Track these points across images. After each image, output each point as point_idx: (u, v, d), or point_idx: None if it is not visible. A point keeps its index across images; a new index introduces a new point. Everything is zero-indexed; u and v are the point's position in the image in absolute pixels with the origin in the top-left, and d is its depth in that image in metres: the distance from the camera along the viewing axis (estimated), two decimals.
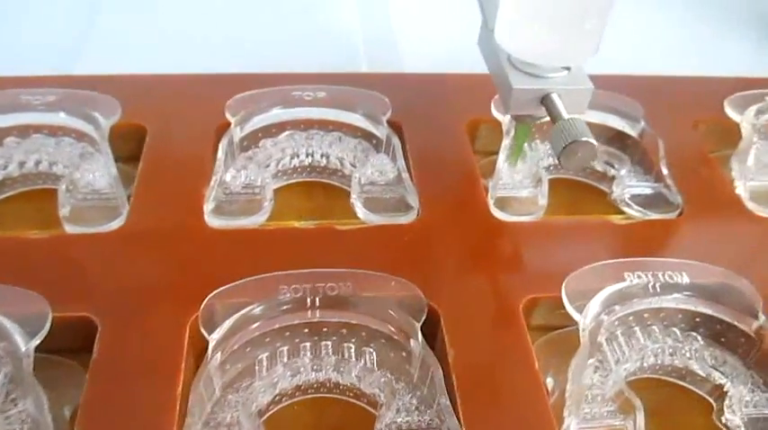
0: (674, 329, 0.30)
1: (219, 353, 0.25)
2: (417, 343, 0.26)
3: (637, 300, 0.28)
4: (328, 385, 0.27)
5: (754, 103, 0.39)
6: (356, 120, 0.37)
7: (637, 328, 0.29)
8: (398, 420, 0.26)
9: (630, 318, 0.29)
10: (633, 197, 0.36)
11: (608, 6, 0.27)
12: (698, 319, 0.29)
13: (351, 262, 0.30)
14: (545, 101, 0.29)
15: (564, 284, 0.28)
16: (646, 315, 0.29)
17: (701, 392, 0.29)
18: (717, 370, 0.29)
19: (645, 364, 0.29)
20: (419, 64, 0.47)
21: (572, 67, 0.29)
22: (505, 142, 0.36)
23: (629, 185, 0.36)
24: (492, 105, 0.37)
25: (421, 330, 0.28)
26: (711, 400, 0.29)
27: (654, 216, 0.35)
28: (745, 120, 0.39)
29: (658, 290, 0.29)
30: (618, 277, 0.29)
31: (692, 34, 0.56)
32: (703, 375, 0.29)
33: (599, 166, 0.38)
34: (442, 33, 0.52)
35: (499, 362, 0.28)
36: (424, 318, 0.27)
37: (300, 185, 0.37)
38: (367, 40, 0.51)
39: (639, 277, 0.29)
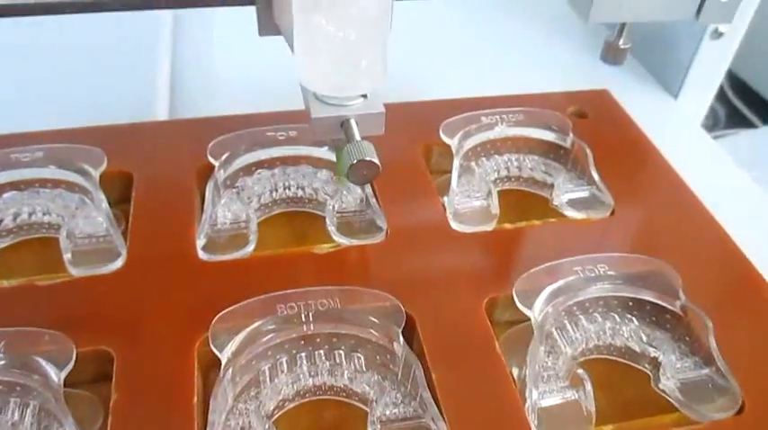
0: (613, 314, 0.35)
1: (231, 368, 0.29)
2: (399, 345, 0.31)
3: (578, 292, 0.34)
4: (324, 388, 0.31)
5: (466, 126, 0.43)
6: (325, 154, 0.41)
7: (581, 316, 0.35)
8: (387, 412, 0.30)
9: (574, 307, 0.34)
10: (570, 201, 0.41)
11: (380, 43, 0.30)
12: (631, 303, 0.35)
13: (330, 280, 0.35)
14: (344, 125, 0.32)
15: (515, 285, 0.33)
16: (587, 304, 0.34)
17: (639, 366, 0.34)
18: (650, 345, 0.34)
19: (590, 346, 0.34)
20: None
21: (367, 94, 0.32)
22: (456, 162, 0.41)
23: (566, 191, 0.42)
24: (440, 130, 0.42)
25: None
26: (648, 372, 0.34)
27: (589, 216, 0.40)
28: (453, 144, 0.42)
29: (595, 281, 0.34)
30: (561, 274, 0.34)
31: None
32: (639, 351, 0.34)
33: (538, 176, 0.43)
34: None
35: (470, 356, 0.32)
36: (403, 323, 0.32)
37: (281, 216, 0.41)
38: None
39: (578, 272, 0.34)
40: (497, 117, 0.44)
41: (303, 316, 0.31)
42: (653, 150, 0.46)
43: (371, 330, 0.31)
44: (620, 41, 0.40)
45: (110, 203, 0.39)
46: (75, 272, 0.35)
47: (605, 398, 0.33)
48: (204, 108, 0.56)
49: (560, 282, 0.33)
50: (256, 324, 0.31)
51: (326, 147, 0.41)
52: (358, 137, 0.31)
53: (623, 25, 0.40)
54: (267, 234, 0.40)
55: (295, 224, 0.41)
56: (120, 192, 0.41)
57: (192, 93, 0.59)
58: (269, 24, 0.34)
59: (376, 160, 0.30)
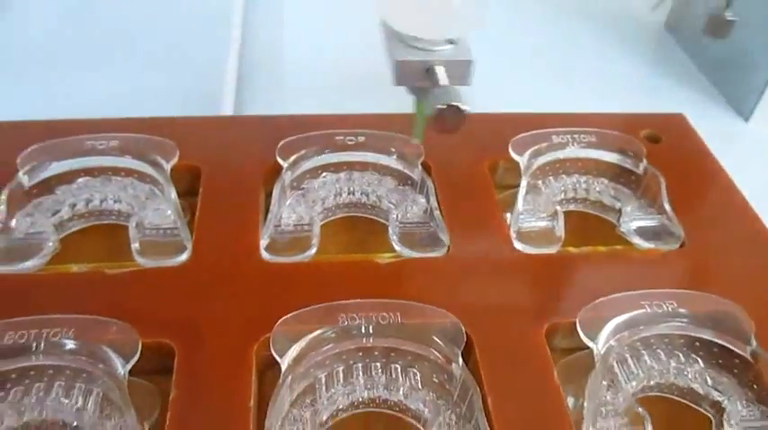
0: (678, 352, 0.34)
1: (291, 375, 0.29)
2: (458, 366, 0.30)
3: (643, 328, 0.33)
4: (378, 401, 0.31)
5: (535, 144, 0.41)
6: (393, 162, 0.41)
7: (644, 352, 0.34)
8: None
9: (638, 343, 0.33)
10: (639, 229, 0.40)
11: None
12: (697, 344, 0.34)
13: (390, 291, 0.35)
14: (429, 72, 0.30)
15: (579, 314, 0.33)
16: (652, 340, 0.34)
17: (701, 409, 0.33)
18: (715, 389, 0.33)
19: (651, 383, 0.33)
20: None
21: (455, 40, 0.31)
22: (524, 180, 0.40)
23: (634, 218, 0.41)
24: (509, 147, 0.42)
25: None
26: (711, 416, 0.33)
27: (657, 247, 0.39)
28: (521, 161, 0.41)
29: (663, 318, 0.33)
30: (627, 307, 0.33)
31: None
32: (703, 393, 0.33)
33: (607, 200, 0.42)
34: None
35: (527, 383, 0.32)
36: (464, 344, 0.32)
37: (343, 221, 0.41)
38: None
39: (645, 307, 0.33)
40: (569, 137, 0.43)
41: (363, 328, 0.31)
42: (728, 182, 0.44)
43: (431, 348, 0.31)
44: (727, 12, 0.37)
45: (179, 195, 0.40)
46: (141, 261, 0.36)
47: None
48: (271, 102, 0.57)
49: (626, 316, 0.33)
50: (317, 332, 0.31)
51: (395, 157, 0.41)
52: (446, 83, 0.29)
53: None
54: (328, 238, 0.40)
55: (356, 230, 0.41)
56: (187, 184, 0.41)
57: (259, 85, 0.60)
58: None
59: (465, 107, 0.28)
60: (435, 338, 0.31)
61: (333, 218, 0.41)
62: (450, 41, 0.30)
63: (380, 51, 0.34)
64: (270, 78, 0.61)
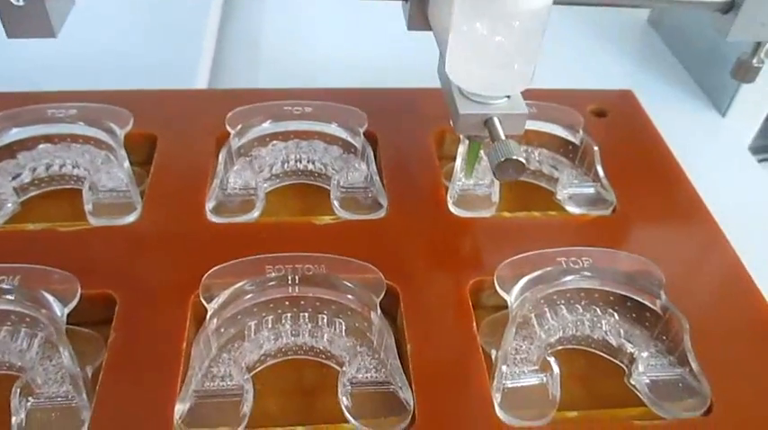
0: (594, 307, 0.36)
1: (216, 319, 0.32)
2: (376, 315, 0.32)
3: (557, 282, 0.34)
4: (305, 348, 0.33)
5: None
6: (337, 131, 0.43)
7: (562, 305, 0.35)
8: (359, 376, 0.32)
9: (554, 297, 0.35)
10: (573, 196, 0.42)
11: (534, 50, 0.32)
12: (612, 298, 0.35)
13: (325, 250, 0.37)
14: (487, 123, 0.34)
15: (497, 270, 0.34)
16: (569, 294, 0.35)
17: (615, 360, 0.35)
18: (628, 341, 0.34)
19: (567, 335, 0.35)
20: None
21: (510, 94, 0.34)
22: (461, 149, 0.42)
23: (570, 186, 0.42)
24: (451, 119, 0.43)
25: (381, 305, 0.34)
26: (624, 366, 0.35)
27: (590, 213, 0.41)
28: None
29: (576, 273, 0.35)
30: (543, 263, 0.35)
31: None
32: (616, 345, 0.35)
33: (546, 169, 0.44)
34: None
35: (446, 332, 0.34)
36: (383, 295, 0.34)
37: (291, 188, 0.43)
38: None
39: (561, 263, 0.35)
40: None
41: (290, 278, 0.33)
42: (667, 154, 0.46)
43: (353, 298, 0.33)
44: (755, 60, 0.40)
45: (137, 163, 0.42)
46: (94, 221, 0.38)
47: (577, 386, 0.34)
48: (245, 82, 0.59)
49: (540, 271, 0.34)
50: (245, 281, 0.33)
51: (339, 126, 0.43)
52: (503, 135, 0.33)
53: (758, 44, 0.40)
54: (276, 203, 0.42)
55: (303, 196, 0.43)
56: (146, 153, 0.44)
57: (234, 65, 0.62)
58: (419, 20, 0.36)
59: (522, 158, 0.32)
60: (357, 289, 0.33)
61: (281, 184, 0.43)
62: (507, 95, 0.34)
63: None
64: (247, 56, 0.63)
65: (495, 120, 0.33)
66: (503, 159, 0.32)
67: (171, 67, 0.56)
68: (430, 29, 0.36)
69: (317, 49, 0.64)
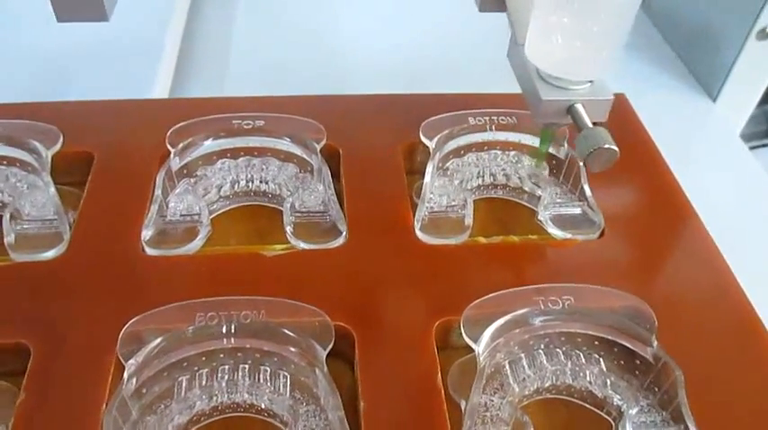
0: (577, 352, 0.31)
1: (135, 379, 0.27)
2: (322, 373, 0.28)
3: (537, 326, 0.30)
4: (244, 406, 0.29)
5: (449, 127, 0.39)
6: (292, 148, 0.38)
7: (541, 352, 0.31)
8: None
9: (531, 342, 0.31)
10: (556, 217, 0.37)
11: (620, 35, 0.30)
12: (597, 343, 0.31)
13: (276, 287, 0.32)
14: (570, 110, 0.31)
15: (464, 312, 0.30)
16: (547, 339, 0.31)
17: (600, 413, 0.31)
18: (615, 392, 0.30)
19: (546, 385, 0.31)
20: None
21: (594, 79, 0.32)
22: (431, 165, 0.37)
23: (553, 205, 0.38)
24: (420, 131, 0.39)
25: (338, 351, 0.30)
26: (610, 420, 0.30)
27: (574, 236, 0.36)
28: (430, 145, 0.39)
29: (555, 315, 0.30)
30: (519, 303, 0.31)
31: None
32: (601, 397, 0.30)
33: (527, 186, 0.39)
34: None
35: (406, 385, 0.30)
36: (330, 346, 0.29)
37: (242, 210, 0.39)
38: None
39: (539, 303, 0.30)
40: (487, 119, 0.40)
41: (224, 327, 0.29)
42: (662, 167, 0.41)
43: (294, 349, 0.29)
44: None
45: (75, 184, 0.38)
46: (14, 257, 0.34)
47: None
48: (211, 92, 0.55)
49: (514, 313, 0.30)
50: (171, 333, 0.29)
51: (294, 142, 0.38)
52: (589, 122, 0.30)
53: None
54: (224, 229, 0.37)
55: (256, 220, 0.39)
56: (84, 172, 0.39)
57: (200, 74, 0.58)
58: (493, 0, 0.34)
59: (615, 146, 0.29)
60: (301, 340, 0.29)
61: (231, 207, 0.39)
62: (590, 80, 0.32)
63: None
64: (213, 64, 0.59)
65: (579, 107, 0.31)
66: (595, 148, 0.29)
67: (125, 75, 0.52)
68: (503, 10, 0.34)
69: (289, 54, 0.60)
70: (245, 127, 0.38)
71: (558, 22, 0.29)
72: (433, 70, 0.58)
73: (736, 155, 0.54)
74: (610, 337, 0.30)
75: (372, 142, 0.41)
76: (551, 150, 0.39)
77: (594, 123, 0.31)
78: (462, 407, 0.30)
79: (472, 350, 0.32)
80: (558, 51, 0.30)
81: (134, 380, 0.27)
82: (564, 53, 0.30)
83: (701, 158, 0.53)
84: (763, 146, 0.73)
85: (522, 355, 0.31)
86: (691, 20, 0.61)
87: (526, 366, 0.31)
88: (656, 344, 0.30)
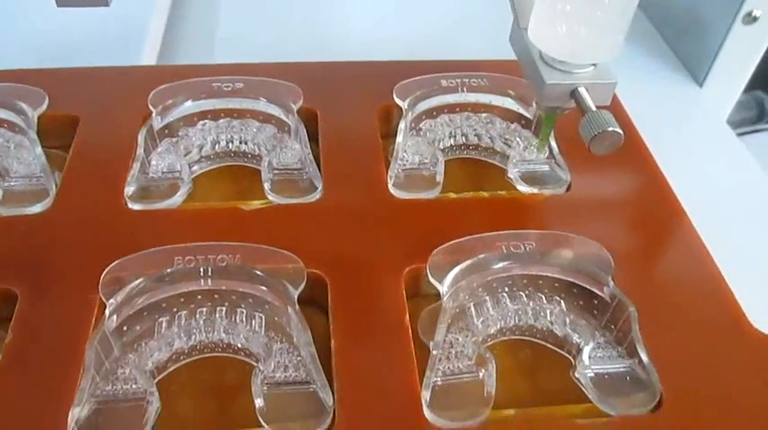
0: (539, 294, 0.33)
1: (116, 316, 0.29)
2: (294, 310, 0.30)
3: (498, 268, 0.32)
4: (221, 345, 0.31)
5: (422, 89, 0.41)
6: (270, 108, 0.40)
7: (504, 294, 0.33)
8: (276, 375, 0.29)
9: (494, 284, 0.32)
10: (525, 174, 0.39)
11: (628, 16, 0.30)
12: (557, 285, 0.32)
13: (254, 238, 0.34)
14: (574, 94, 0.32)
15: (430, 257, 0.32)
16: (510, 281, 0.32)
17: (562, 351, 0.32)
18: (574, 331, 0.32)
19: (509, 325, 0.32)
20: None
21: (598, 62, 0.32)
22: (403, 124, 0.39)
23: (522, 163, 0.39)
24: (393, 92, 0.40)
25: (312, 297, 0.32)
26: (570, 357, 0.32)
27: (542, 191, 0.38)
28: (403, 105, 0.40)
29: (516, 259, 0.32)
30: (482, 249, 0.32)
31: None
32: (561, 335, 0.32)
33: (498, 146, 0.41)
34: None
35: (376, 327, 0.31)
36: (302, 286, 0.31)
37: (222, 170, 0.40)
38: None
39: (501, 247, 0.32)
40: (458, 81, 0.41)
41: (201, 270, 0.30)
42: (631, 131, 0.42)
43: (266, 289, 0.30)
44: None
45: (61, 147, 0.39)
46: (2, 211, 0.35)
47: (519, 381, 0.32)
48: (199, 60, 0.56)
49: (476, 257, 0.31)
50: (151, 275, 0.30)
51: (272, 103, 0.40)
52: (593, 106, 0.31)
53: None
54: (205, 187, 0.39)
55: (236, 179, 0.40)
56: (69, 135, 0.40)
57: (188, 42, 0.59)
58: None
59: (619, 130, 0.30)
60: (275, 281, 0.30)
61: (212, 167, 0.40)
62: (593, 63, 0.32)
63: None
64: (202, 32, 0.60)
65: (583, 90, 0.31)
66: (599, 131, 0.29)
67: (113, 42, 0.53)
68: None
69: (279, 23, 0.61)
70: (225, 89, 0.40)
71: (562, 5, 0.29)
72: (428, 49, 0.59)
73: (723, 140, 0.54)
74: (569, 279, 0.32)
75: (349, 105, 0.42)
76: (520, 110, 0.41)
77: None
78: (431, 349, 0.31)
79: (441, 298, 0.33)
80: (561, 35, 0.30)
81: (115, 317, 0.29)
82: (567, 37, 0.30)
83: (688, 144, 0.53)
84: (753, 131, 0.74)
85: (487, 298, 0.32)
86: (677, 4, 0.61)
87: (490, 307, 0.32)
88: (612, 283, 0.31)
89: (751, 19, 0.53)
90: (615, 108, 0.45)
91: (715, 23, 0.56)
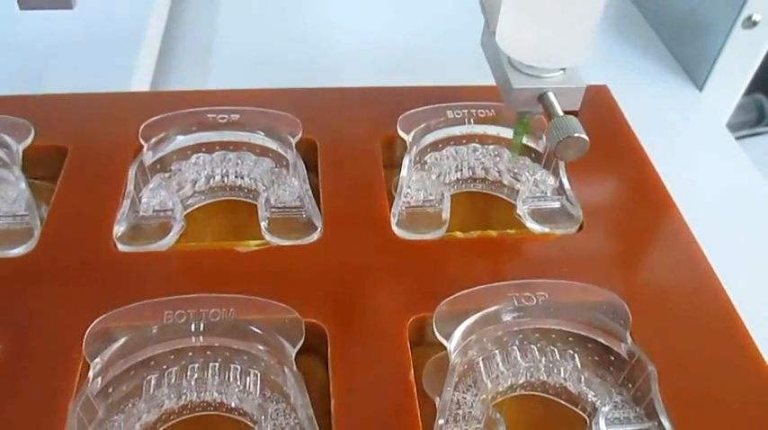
0: (552, 348, 0.31)
1: (100, 378, 0.27)
2: (291, 371, 0.28)
3: (510, 322, 0.30)
4: (214, 405, 0.29)
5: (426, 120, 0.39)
6: (267, 142, 0.38)
7: (515, 348, 0.31)
8: None
9: (505, 338, 0.30)
10: (535, 211, 0.37)
11: (595, 19, 0.29)
12: (571, 339, 0.31)
13: (249, 283, 0.32)
14: (542, 99, 0.31)
15: (436, 309, 0.30)
16: (521, 336, 0.31)
17: (575, 409, 0.30)
18: (589, 388, 0.30)
19: (521, 381, 0.30)
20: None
21: (567, 67, 0.32)
22: (407, 159, 0.37)
23: (532, 199, 0.37)
24: (397, 125, 0.38)
25: (311, 347, 0.30)
26: (585, 416, 0.30)
27: (552, 230, 0.36)
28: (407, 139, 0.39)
29: (528, 312, 0.30)
30: (492, 300, 0.30)
31: None
32: (575, 393, 0.30)
33: (506, 180, 0.39)
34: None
35: (377, 383, 0.29)
36: (300, 343, 0.29)
37: (217, 205, 0.38)
38: None
39: (512, 299, 0.30)
40: (465, 112, 0.40)
41: (193, 325, 0.28)
42: (642, 159, 0.41)
43: (263, 347, 0.28)
44: None
45: (48, 178, 0.38)
46: None
47: None
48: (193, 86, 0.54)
49: (483, 312, 0.30)
50: (139, 331, 0.28)
51: (269, 136, 0.38)
52: (560, 111, 0.30)
53: None
54: (200, 224, 0.37)
55: (231, 215, 0.38)
56: (57, 167, 0.39)
57: (182, 67, 0.57)
58: None
59: (585, 136, 0.29)
60: (270, 337, 0.28)
61: (206, 202, 0.38)
62: (562, 68, 0.31)
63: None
64: (197, 58, 0.59)
65: (551, 95, 0.31)
66: (565, 137, 0.29)
67: (104, 68, 0.51)
68: None
69: (273, 48, 0.59)
70: (220, 121, 0.38)
71: (529, 9, 0.29)
72: (420, 66, 0.57)
73: (723, 144, 0.54)
74: (584, 333, 0.30)
75: (350, 135, 0.40)
76: (531, 144, 0.39)
77: (570, 113, 0.31)
78: (437, 405, 0.29)
79: (448, 354, 0.31)
80: (528, 39, 0.30)
81: (99, 379, 0.27)
82: (535, 41, 0.30)
83: (687, 148, 0.53)
84: (752, 135, 0.73)
85: (496, 352, 0.31)
86: (677, 8, 0.61)
87: (500, 363, 0.30)
88: (630, 339, 0.30)
89: (751, 23, 0.53)
90: (614, 113, 0.43)
91: (715, 27, 0.55)
